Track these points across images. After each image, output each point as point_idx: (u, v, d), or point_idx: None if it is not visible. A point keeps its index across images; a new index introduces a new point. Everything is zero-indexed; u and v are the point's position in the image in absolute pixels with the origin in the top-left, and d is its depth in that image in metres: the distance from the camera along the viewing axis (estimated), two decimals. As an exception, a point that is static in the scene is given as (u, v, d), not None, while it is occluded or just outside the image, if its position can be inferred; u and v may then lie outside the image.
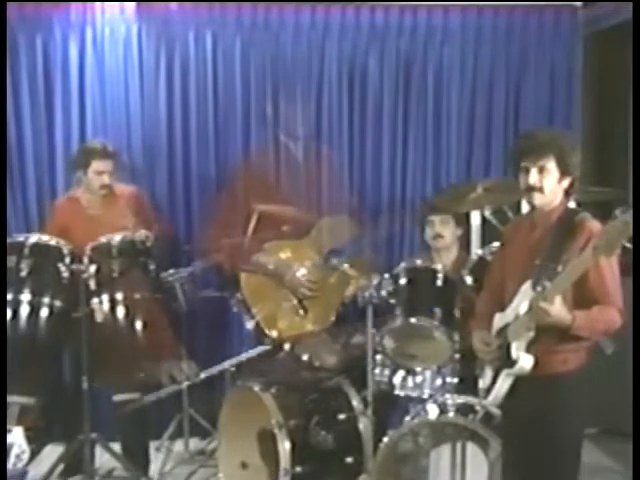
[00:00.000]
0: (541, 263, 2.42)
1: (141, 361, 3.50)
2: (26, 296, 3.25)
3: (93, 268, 3.31)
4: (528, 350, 2.44)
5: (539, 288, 2.38)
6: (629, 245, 2.77)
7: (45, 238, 3.39)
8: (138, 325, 3.35)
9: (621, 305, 2.44)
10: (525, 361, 2.43)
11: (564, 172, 2.48)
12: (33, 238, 3.36)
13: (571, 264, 2.31)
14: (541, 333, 2.41)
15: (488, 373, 2.59)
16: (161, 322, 3.51)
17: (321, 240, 3.74)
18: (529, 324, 2.41)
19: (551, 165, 2.46)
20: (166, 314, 3.55)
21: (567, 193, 2.55)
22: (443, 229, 3.64)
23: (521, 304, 2.46)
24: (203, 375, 3.54)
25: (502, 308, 2.58)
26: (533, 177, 2.47)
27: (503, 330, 2.54)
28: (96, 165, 3.73)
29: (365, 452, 3.20)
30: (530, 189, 2.48)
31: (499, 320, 2.58)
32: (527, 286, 2.45)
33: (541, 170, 2.46)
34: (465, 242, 3.86)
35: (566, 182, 2.51)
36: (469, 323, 2.87)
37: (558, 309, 2.34)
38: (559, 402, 2.46)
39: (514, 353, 2.45)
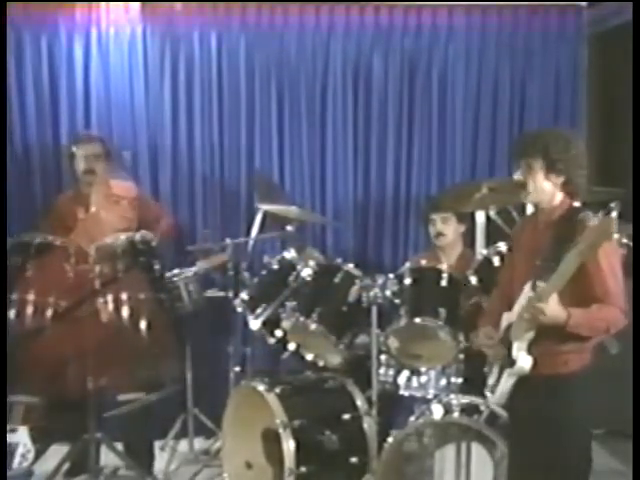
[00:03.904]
0: (542, 263, 2.43)
1: (145, 361, 3.50)
2: (31, 296, 3.25)
3: (98, 268, 3.32)
4: (529, 350, 2.44)
5: (538, 288, 2.39)
6: (630, 243, 2.77)
7: (51, 238, 3.39)
8: (142, 325, 3.35)
9: (623, 304, 2.43)
10: (524, 361, 2.43)
11: (549, 168, 2.50)
12: (39, 238, 3.37)
13: (561, 264, 2.31)
14: (541, 334, 2.42)
15: (495, 371, 2.59)
16: (164, 322, 3.51)
17: None
18: (528, 325, 2.42)
19: (537, 162, 2.50)
20: (170, 314, 3.55)
21: (569, 193, 2.55)
22: (444, 227, 3.66)
23: (523, 304, 2.46)
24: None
25: (510, 308, 2.58)
26: (517, 174, 2.54)
27: (508, 330, 2.54)
28: (77, 150, 3.80)
29: (370, 452, 3.20)
30: (518, 186, 2.55)
31: (505, 319, 2.58)
32: (529, 286, 2.45)
33: (529, 167, 2.51)
34: (470, 240, 3.86)
35: (558, 180, 2.52)
36: (475, 322, 2.87)
37: (552, 308, 2.34)
38: (561, 403, 2.45)
39: (514, 353, 2.46)
